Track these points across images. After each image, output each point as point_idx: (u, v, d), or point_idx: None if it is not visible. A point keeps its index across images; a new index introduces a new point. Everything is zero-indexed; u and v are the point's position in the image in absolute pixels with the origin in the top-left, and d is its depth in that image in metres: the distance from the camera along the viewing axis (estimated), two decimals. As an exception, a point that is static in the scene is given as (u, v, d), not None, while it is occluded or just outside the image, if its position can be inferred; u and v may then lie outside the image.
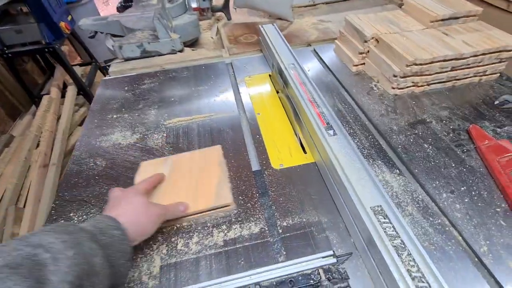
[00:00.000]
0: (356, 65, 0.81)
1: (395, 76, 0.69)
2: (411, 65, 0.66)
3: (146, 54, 0.96)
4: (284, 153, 0.60)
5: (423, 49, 0.67)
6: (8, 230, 1.37)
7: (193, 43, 1.12)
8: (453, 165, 0.55)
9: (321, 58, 0.90)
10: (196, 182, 0.52)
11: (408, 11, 0.83)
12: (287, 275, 0.39)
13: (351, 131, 0.64)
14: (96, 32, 1.15)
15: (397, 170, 0.55)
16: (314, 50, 0.95)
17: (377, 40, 0.75)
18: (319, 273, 0.39)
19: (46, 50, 1.87)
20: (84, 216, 0.51)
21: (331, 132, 0.53)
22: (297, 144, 0.62)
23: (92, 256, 0.31)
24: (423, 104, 0.69)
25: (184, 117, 0.71)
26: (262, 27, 0.92)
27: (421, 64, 0.66)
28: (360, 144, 0.61)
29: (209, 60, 0.94)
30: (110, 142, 0.65)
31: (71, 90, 2.08)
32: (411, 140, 0.61)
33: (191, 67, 0.90)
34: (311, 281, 0.38)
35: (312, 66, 0.87)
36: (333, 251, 0.41)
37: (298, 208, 0.50)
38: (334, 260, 0.40)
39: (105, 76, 0.92)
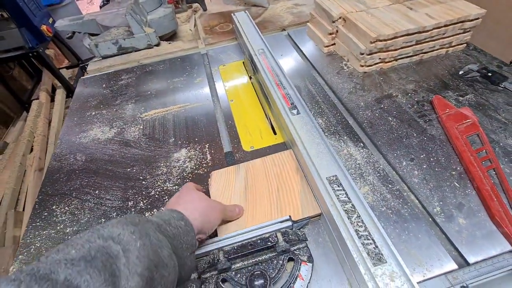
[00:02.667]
0: (327, 46, 0.83)
1: (362, 53, 0.71)
2: (375, 41, 0.67)
3: (122, 51, 0.97)
4: (255, 136, 0.63)
5: (386, 25, 0.69)
6: (9, 234, 1.41)
7: (171, 36, 1.13)
8: (415, 135, 0.58)
9: (294, 42, 0.91)
10: (277, 191, 0.49)
11: (375, -12, 0.84)
12: (247, 239, 0.41)
13: (320, 110, 0.66)
14: (74, 33, 1.16)
15: (361, 144, 0.57)
16: (288, 34, 0.96)
17: (344, 20, 0.77)
18: (276, 236, 0.41)
19: (30, 54, 1.87)
20: (66, 208, 0.54)
21: (294, 111, 0.55)
22: (268, 127, 0.65)
23: (159, 247, 0.31)
24: (390, 80, 0.71)
25: (160, 109, 0.73)
26: (235, 15, 0.93)
27: (384, 40, 0.67)
28: (328, 122, 0.63)
29: (185, 52, 0.96)
30: (89, 138, 0.68)
31: (60, 94, 2.09)
32: (377, 114, 0.63)
33: (167, 60, 0.91)
34: (269, 243, 0.40)
35: (285, 51, 0.88)
36: (290, 216, 0.43)
37: (267, 186, 0.52)
38: (290, 223, 0.42)
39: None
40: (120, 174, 0.59)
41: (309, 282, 0.39)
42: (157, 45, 1.00)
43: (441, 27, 0.69)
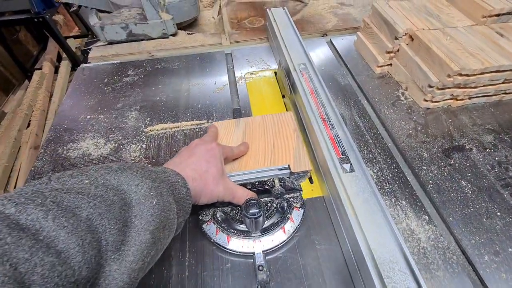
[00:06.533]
0: (381, 66, 0.67)
1: (431, 86, 0.55)
2: (455, 75, 0.52)
3: (132, 38, 0.82)
4: (285, 180, 0.49)
5: (471, 55, 0.53)
6: (-4, 215, 1.32)
7: (190, 24, 0.97)
8: (499, 213, 0.43)
9: (338, 53, 0.76)
10: (272, 146, 0.50)
11: (453, 1, 0.67)
12: (246, 179, 0.44)
13: (370, 155, 0.52)
14: (80, 6, 1.01)
15: (426, 216, 0.44)
16: (331, 41, 0.80)
17: (411, 37, 0.61)
18: (273, 181, 0.45)
19: (36, 20, 1.72)
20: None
21: (347, 166, 0.41)
22: (303, 169, 0.51)
23: (169, 210, 0.30)
24: (461, 124, 0.56)
25: (169, 124, 0.59)
26: (270, 10, 0.77)
27: (467, 75, 0.52)
28: (381, 175, 0.49)
29: (206, 48, 0.80)
30: (79, 152, 0.55)
31: (64, 66, 1.95)
32: (445, 174, 0.49)
33: (183, 57, 0.76)
34: (266, 186, 0.44)
35: (327, 63, 0.73)
36: (288, 165, 0.46)
37: (298, 269, 0.40)
38: (288, 171, 0.45)
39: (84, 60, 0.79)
40: (110, 212, 0.46)
41: (298, 226, 0.41)
42: (174, 35, 0.85)
43: (542, 65, 0.53)
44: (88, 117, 0.61)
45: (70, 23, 2.64)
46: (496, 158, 0.50)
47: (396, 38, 0.61)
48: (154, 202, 0.28)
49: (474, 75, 0.52)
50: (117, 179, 0.27)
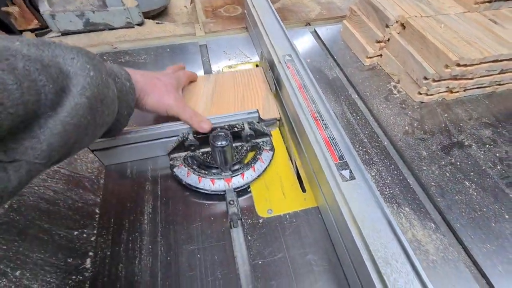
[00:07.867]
0: (370, 57, 0.62)
1: (426, 78, 0.51)
2: (453, 66, 0.47)
3: (91, 27, 0.71)
4: (273, 192, 0.42)
5: (468, 44, 0.49)
6: None
7: (160, 13, 0.88)
8: (507, 216, 0.40)
9: (324, 44, 0.70)
10: (242, 97, 0.51)
11: (443, -14, 0.63)
12: (216, 123, 0.43)
13: (367, 156, 0.47)
14: (28, -8, 0.87)
15: (432, 224, 0.39)
16: (315, 31, 0.74)
17: (403, 25, 0.56)
18: (243, 124, 0.44)
19: (-18, 10, 1.51)
20: (-41, 303, 0.32)
21: (346, 173, 0.35)
22: (293, 176, 0.44)
23: (107, 87, 0.30)
24: (457, 118, 0.53)
25: (133, 127, 0.50)
26: (249, -4, 0.69)
27: (465, 66, 0.48)
28: (380, 178, 0.44)
29: (178, 39, 0.71)
30: (23, 165, 0.45)
31: (21, 62, 1.75)
32: (447, 174, 0.44)
33: (151, 49, 0.67)
34: (235, 129, 0.43)
35: (312, 55, 0.67)
36: (257, 110, 0.45)
37: (294, 289, 0.34)
38: (257, 115, 0.45)
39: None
40: (61, 240, 0.37)
41: (268, 165, 0.43)
42: (140, 24, 0.75)
43: (538, 54, 0.50)
44: (35, 122, 0.51)
45: (27, 15, 2.39)
46: (497, 154, 0.47)
47: (387, 26, 0.56)
48: (92, 74, 0.27)
49: (473, 65, 0.48)
50: (51, 51, 0.25)
